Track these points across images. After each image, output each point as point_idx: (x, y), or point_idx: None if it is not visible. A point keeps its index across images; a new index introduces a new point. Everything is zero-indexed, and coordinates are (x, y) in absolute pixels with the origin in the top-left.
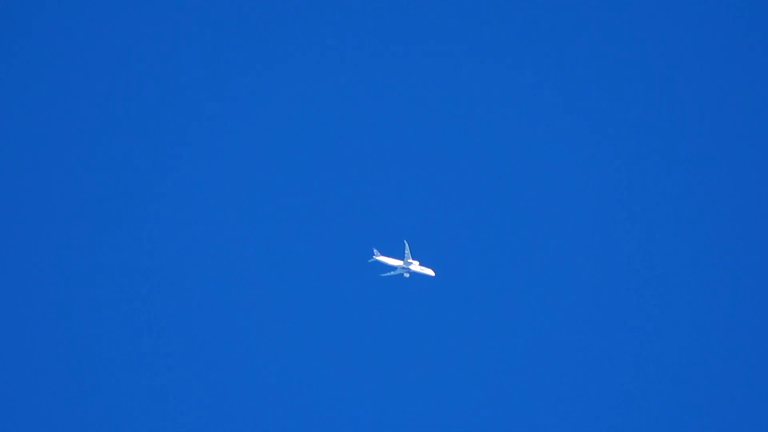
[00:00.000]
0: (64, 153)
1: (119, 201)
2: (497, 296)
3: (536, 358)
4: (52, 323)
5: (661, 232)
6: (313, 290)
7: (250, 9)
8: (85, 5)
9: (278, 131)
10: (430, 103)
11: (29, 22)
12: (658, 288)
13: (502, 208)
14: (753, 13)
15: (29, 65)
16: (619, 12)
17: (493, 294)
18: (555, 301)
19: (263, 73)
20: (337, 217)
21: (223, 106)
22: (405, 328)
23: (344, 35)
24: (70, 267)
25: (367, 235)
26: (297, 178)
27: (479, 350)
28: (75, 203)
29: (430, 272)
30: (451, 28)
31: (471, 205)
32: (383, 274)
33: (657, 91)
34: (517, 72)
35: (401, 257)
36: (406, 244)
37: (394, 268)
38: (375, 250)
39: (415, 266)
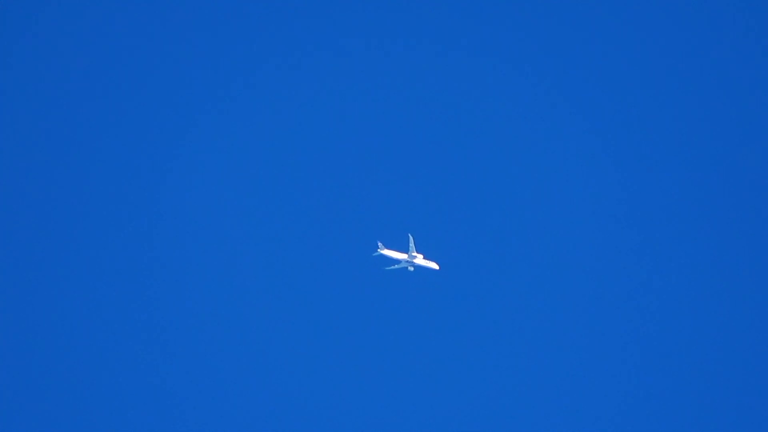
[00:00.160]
0: (64, 153)
1: (119, 200)
2: (501, 289)
3: (540, 351)
4: (51, 323)
5: (669, 225)
6: (318, 284)
7: (249, 8)
8: (85, 5)
9: (283, 125)
10: (437, 96)
11: (29, 22)
12: (661, 281)
13: (506, 201)
14: (753, 13)
15: (29, 65)
16: (620, 12)
17: (497, 287)
18: (559, 294)
19: (267, 68)
20: (341, 210)
21: (225, 101)
22: (409, 321)
23: (354, 28)
24: (69, 267)
25: (372, 229)
26: (302, 172)
27: (483, 343)
28: (74, 203)
29: (434, 266)
30: (460, 19)
31: (475, 198)
32: (387, 268)
33: (659, 89)
34: (525, 64)
35: (405, 251)
36: (411, 238)
37: (398, 261)
38: (379, 244)
39: (420, 260)
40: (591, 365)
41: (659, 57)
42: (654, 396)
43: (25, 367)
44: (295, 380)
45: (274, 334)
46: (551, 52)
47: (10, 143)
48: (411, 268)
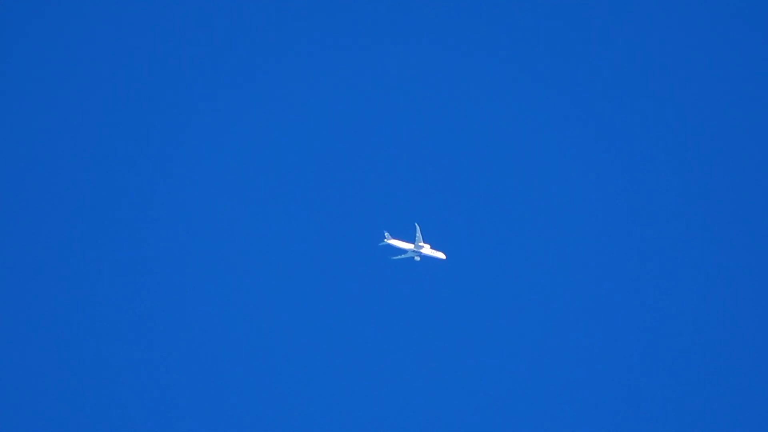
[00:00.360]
0: (63, 153)
1: (119, 200)
2: (508, 279)
3: (546, 342)
4: (51, 323)
5: (681, 219)
6: (325, 273)
7: (249, 8)
8: (85, 5)
9: (290, 118)
10: (444, 87)
11: (29, 22)
12: (670, 272)
13: (513, 190)
14: (753, 13)
15: (29, 65)
16: (620, 11)
17: (504, 277)
18: (566, 285)
19: (272, 64)
20: (348, 200)
21: (229, 95)
22: (416, 311)
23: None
24: (68, 266)
25: (378, 219)
26: (309, 163)
27: (490, 333)
28: (73, 203)
29: (441, 255)
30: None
31: (483, 187)
32: (394, 257)
33: (661, 87)
34: (535, 57)
35: (412, 240)
36: (417, 228)
37: (405, 251)
38: (386, 234)
39: (426, 249)
40: (600, 357)
41: (660, 56)
42: (655, 394)
43: (24, 367)
44: (303, 371)
45: (280, 325)
46: (567, 40)
47: (10, 143)
48: (418, 258)
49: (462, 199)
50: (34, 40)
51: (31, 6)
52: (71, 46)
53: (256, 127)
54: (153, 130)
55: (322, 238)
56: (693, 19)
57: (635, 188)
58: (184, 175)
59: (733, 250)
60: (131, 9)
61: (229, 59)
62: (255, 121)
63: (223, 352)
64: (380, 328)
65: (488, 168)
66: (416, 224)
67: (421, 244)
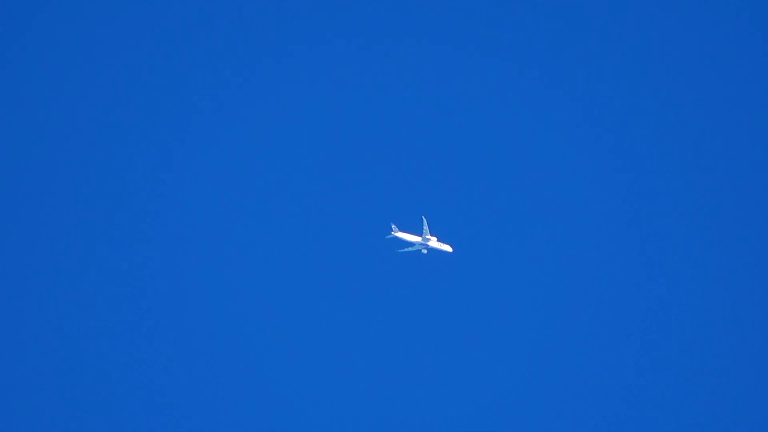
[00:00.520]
0: (63, 152)
1: (120, 200)
2: (515, 272)
3: (552, 335)
4: (50, 323)
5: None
6: (332, 266)
7: (248, 7)
8: (85, 5)
9: (298, 115)
10: (450, 81)
11: (29, 22)
12: (676, 273)
13: (520, 184)
14: (753, 13)
15: (29, 65)
16: (620, 11)
17: (511, 270)
18: (571, 280)
19: (276, 61)
20: (356, 193)
21: (232, 93)
22: (423, 303)
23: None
24: (68, 266)
25: (386, 211)
26: (318, 157)
27: (496, 326)
28: (73, 202)
29: (448, 248)
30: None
31: (490, 181)
32: (401, 250)
33: (663, 86)
34: (540, 53)
35: (419, 233)
36: (424, 221)
37: (412, 244)
38: (393, 226)
39: (434, 242)
40: (607, 350)
41: (661, 56)
42: (657, 392)
43: (24, 367)
44: (309, 364)
45: (288, 317)
46: (574, 36)
47: (10, 143)
48: (425, 251)
49: (469, 192)
50: (34, 40)
51: (31, 6)
52: (71, 46)
53: (265, 122)
54: (153, 130)
55: (331, 231)
56: (693, 19)
57: (638, 183)
58: (194, 169)
59: (734, 250)
60: (131, 9)
61: (234, 59)
62: (265, 115)
63: (232, 346)
64: (387, 320)
65: (495, 161)
66: (423, 217)
67: (429, 236)
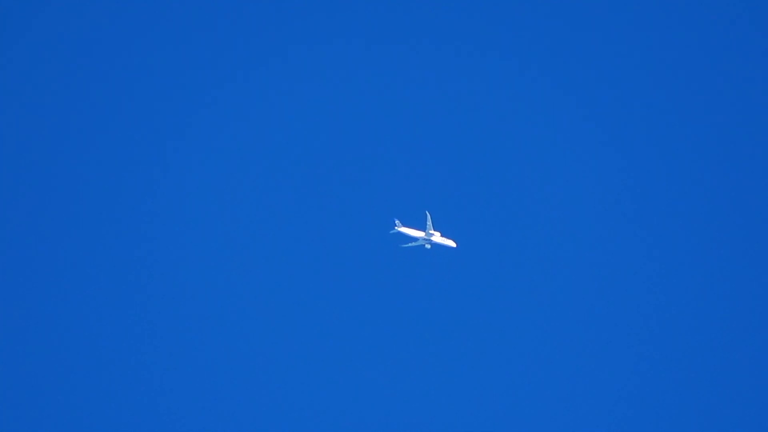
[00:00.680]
0: (63, 152)
1: (119, 200)
2: (519, 268)
3: (556, 331)
4: (50, 323)
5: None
6: (336, 260)
7: (247, 7)
8: (85, 5)
9: (301, 113)
10: (453, 78)
11: (29, 22)
12: (677, 273)
13: (523, 180)
14: (753, 13)
15: (29, 65)
16: (620, 11)
17: (514, 265)
18: (574, 277)
19: (277, 61)
20: (359, 188)
21: (234, 93)
22: (426, 298)
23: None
24: (67, 266)
25: (389, 207)
26: (322, 151)
27: (499, 322)
28: (73, 202)
29: (451, 243)
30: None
31: (493, 176)
32: (404, 245)
33: (663, 85)
34: (542, 51)
35: (423, 228)
36: (428, 216)
37: (415, 239)
38: (396, 221)
39: (437, 237)
40: (610, 350)
41: (661, 56)
42: (657, 392)
43: (23, 367)
44: (313, 359)
45: (292, 313)
46: (575, 34)
47: (10, 143)
48: (428, 246)
49: (472, 188)
50: (34, 40)
51: (31, 6)
52: (71, 46)
53: (270, 118)
54: (153, 130)
55: (335, 227)
56: (693, 19)
57: (643, 178)
58: (198, 164)
59: (734, 251)
60: (131, 9)
61: (234, 58)
62: (270, 111)
63: (235, 342)
64: (391, 316)
65: (499, 157)
66: (427, 212)
67: (432, 231)
